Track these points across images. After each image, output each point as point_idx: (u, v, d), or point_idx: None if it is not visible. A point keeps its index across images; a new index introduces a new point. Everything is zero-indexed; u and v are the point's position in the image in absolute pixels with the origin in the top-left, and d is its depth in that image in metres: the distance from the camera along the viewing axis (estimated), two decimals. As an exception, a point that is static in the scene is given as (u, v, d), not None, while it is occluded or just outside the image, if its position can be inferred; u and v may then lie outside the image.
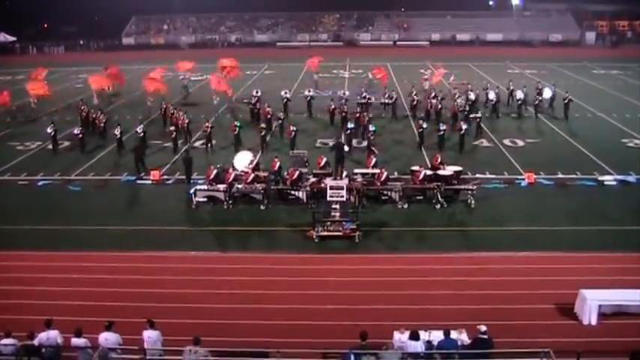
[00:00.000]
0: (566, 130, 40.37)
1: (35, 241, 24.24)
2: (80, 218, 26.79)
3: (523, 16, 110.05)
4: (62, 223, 26.14)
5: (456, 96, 43.90)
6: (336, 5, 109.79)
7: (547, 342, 15.27)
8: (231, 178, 28.07)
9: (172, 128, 36.91)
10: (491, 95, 45.16)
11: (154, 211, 27.71)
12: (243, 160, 29.96)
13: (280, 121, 39.11)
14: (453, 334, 15.33)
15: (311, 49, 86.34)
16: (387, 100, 44.93)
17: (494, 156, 35.11)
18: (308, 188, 27.81)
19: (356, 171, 29.27)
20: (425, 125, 36.63)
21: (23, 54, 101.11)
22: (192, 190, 28.37)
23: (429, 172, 28.38)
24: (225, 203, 27.87)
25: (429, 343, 15.12)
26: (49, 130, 37.14)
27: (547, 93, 46.32)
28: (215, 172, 28.42)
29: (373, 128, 35.71)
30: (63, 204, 28.88)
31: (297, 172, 28.11)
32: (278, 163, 29.31)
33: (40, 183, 31.67)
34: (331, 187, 25.58)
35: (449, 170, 28.82)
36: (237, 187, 28.09)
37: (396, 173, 30.29)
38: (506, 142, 37.49)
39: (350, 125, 36.28)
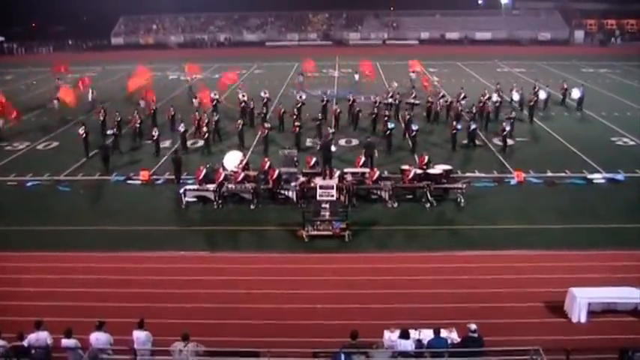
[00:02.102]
0: (555, 128, 40.48)
1: (24, 242, 24.13)
2: (69, 219, 26.69)
3: (512, 15, 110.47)
4: (51, 224, 26.04)
5: (486, 97, 43.55)
6: (325, 5, 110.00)
7: (537, 340, 15.28)
8: (221, 178, 28.02)
9: (205, 129, 36.64)
10: (516, 96, 44.88)
11: (144, 211, 27.62)
12: (233, 160, 29.94)
13: (318, 122, 38.78)
14: (443, 333, 15.35)
15: (300, 49, 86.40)
16: (412, 101, 44.72)
17: (484, 154, 35.19)
18: (297, 188, 27.80)
19: (346, 170, 29.27)
20: (459, 127, 36.35)
21: (11, 54, 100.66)
22: (181, 190, 28.31)
23: (418, 171, 28.41)
24: (214, 203, 27.82)
25: (419, 341, 15.14)
26: (80, 131, 35.92)
27: (575, 93, 46.26)
28: (205, 171, 28.38)
29: (416, 127, 35.90)
30: (52, 204, 28.73)
31: (277, 172, 28.06)
32: (268, 163, 29.26)
33: (29, 183, 31.51)
34: (321, 187, 25.62)
35: (438, 169, 28.87)
36: (227, 187, 28.06)
37: (386, 172, 30.31)
38: (496, 140, 37.49)
39: (390, 125, 35.98)
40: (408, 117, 38.87)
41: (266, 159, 29.88)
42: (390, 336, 15.64)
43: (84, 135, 35.65)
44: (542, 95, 45.88)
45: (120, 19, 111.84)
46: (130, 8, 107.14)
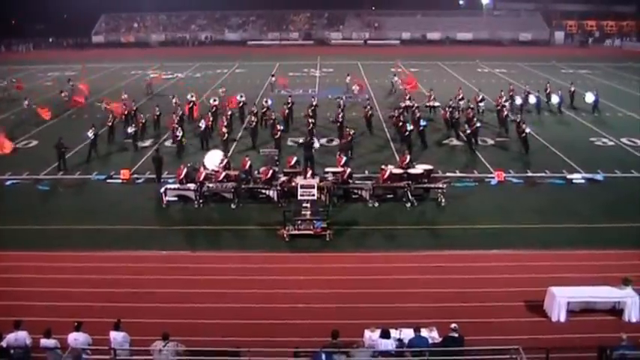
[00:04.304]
0: (535, 128, 40.61)
1: (2, 241, 23.85)
2: (49, 218, 26.44)
3: (493, 16, 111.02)
4: (30, 223, 25.76)
5: (503, 99, 43.49)
6: (306, 4, 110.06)
7: (517, 339, 15.36)
8: (202, 177, 27.92)
9: (225, 130, 36.23)
10: (532, 100, 44.97)
11: (124, 211, 27.43)
12: (213, 159, 29.83)
13: (339, 123, 38.52)
14: (424, 332, 15.41)
15: (282, 48, 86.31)
16: (432, 103, 44.66)
17: (464, 154, 35.32)
18: (279, 187, 27.76)
19: (327, 169, 29.27)
20: (477, 126, 36.48)
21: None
22: (162, 189, 28.18)
23: (395, 171, 28.40)
24: (195, 202, 27.73)
25: (399, 341, 15.16)
26: (89, 133, 34.91)
27: (589, 98, 46.26)
28: (185, 170, 28.26)
29: (424, 123, 36.83)
30: (31, 203, 28.46)
31: (271, 171, 28.04)
32: (249, 162, 29.19)
33: (7, 182, 31.22)
34: (302, 186, 25.57)
35: (419, 169, 28.92)
36: (208, 186, 27.97)
37: (366, 172, 30.34)
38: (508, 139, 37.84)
39: (409, 127, 36.05)
40: (418, 116, 38.98)
41: (246, 158, 29.75)
42: (371, 335, 15.65)
43: (93, 137, 34.96)
44: (555, 99, 46.08)
45: (101, 17, 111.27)
46: (111, 6, 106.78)
